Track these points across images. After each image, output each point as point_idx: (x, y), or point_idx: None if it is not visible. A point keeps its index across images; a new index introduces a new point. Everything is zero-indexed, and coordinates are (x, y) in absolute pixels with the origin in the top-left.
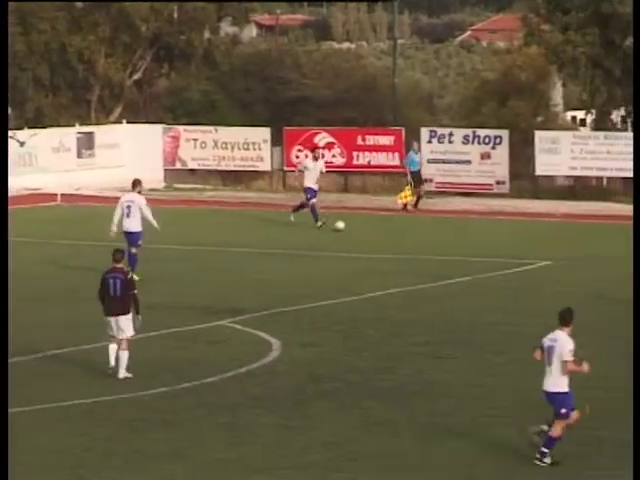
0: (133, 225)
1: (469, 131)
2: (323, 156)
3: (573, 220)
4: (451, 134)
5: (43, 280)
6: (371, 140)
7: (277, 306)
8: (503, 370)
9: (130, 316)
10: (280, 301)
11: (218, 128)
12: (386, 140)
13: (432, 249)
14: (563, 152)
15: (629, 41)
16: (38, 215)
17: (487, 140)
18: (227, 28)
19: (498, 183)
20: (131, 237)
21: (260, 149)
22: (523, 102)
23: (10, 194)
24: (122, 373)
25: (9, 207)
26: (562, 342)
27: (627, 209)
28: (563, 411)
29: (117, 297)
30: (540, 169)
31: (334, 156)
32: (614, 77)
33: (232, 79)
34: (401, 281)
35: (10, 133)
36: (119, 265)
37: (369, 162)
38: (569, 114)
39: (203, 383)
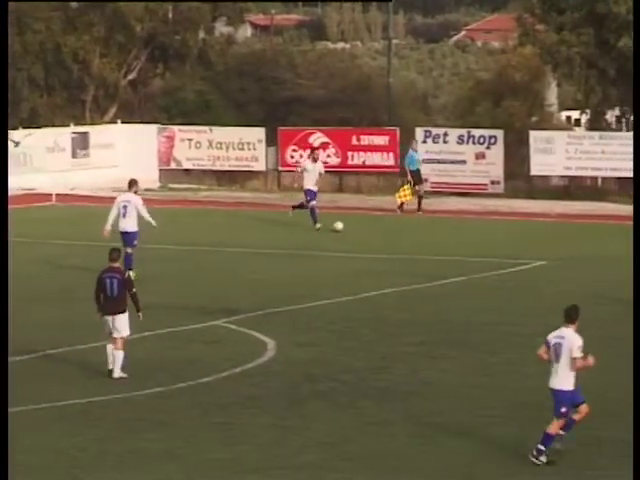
0: (129, 225)
1: (464, 131)
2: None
3: (568, 220)
4: (446, 134)
5: (38, 280)
6: (366, 140)
7: (272, 306)
8: (498, 370)
9: (126, 315)
10: (275, 301)
11: (213, 128)
12: (381, 140)
13: (427, 249)
14: (558, 152)
15: (623, 41)
16: (33, 215)
17: (482, 140)
18: (222, 28)
19: (493, 183)
20: (127, 237)
21: (255, 149)
22: (518, 102)
23: None
24: (117, 373)
25: None
26: (570, 339)
27: (622, 209)
28: (563, 410)
29: (114, 297)
30: (535, 169)
31: (329, 156)
32: (609, 77)
33: (227, 79)
34: (396, 281)
35: None
36: (116, 264)
37: (364, 162)
38: (564, 114)
39: (198, 383)
